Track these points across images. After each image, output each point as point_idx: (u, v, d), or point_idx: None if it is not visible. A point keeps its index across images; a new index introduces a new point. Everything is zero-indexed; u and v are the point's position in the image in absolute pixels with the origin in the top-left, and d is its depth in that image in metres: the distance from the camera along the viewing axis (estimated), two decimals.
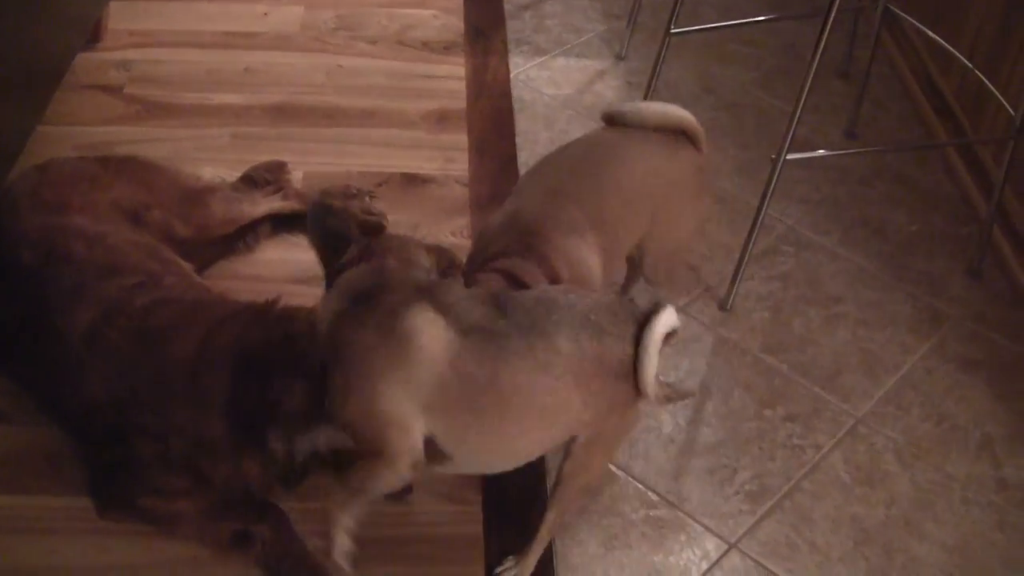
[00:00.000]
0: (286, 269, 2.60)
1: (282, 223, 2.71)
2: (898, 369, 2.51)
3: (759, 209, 2.58)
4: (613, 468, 2.22)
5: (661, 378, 1.74)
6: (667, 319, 1.70)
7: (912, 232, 2.93)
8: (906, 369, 2.52)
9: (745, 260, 2.60)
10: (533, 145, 3.09)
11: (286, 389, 1.86)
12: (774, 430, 2.33)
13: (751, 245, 2.59)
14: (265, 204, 2.66)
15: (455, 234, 2.73)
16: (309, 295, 2.51)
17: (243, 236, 2.62)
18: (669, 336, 1.71)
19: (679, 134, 2.15)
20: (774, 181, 2.54)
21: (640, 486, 2.20)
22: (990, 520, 2.20)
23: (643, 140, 2.12)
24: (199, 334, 2.00)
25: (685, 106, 2.18)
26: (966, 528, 2.18)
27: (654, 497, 2.18)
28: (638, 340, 1.68)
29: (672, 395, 1.83)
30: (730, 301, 2.62)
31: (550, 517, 1.89)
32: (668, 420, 2.34)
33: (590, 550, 2.08)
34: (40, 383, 2.16)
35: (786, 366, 2.49)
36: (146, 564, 1.98)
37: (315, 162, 2.94)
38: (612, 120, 2.21)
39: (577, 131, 3.16)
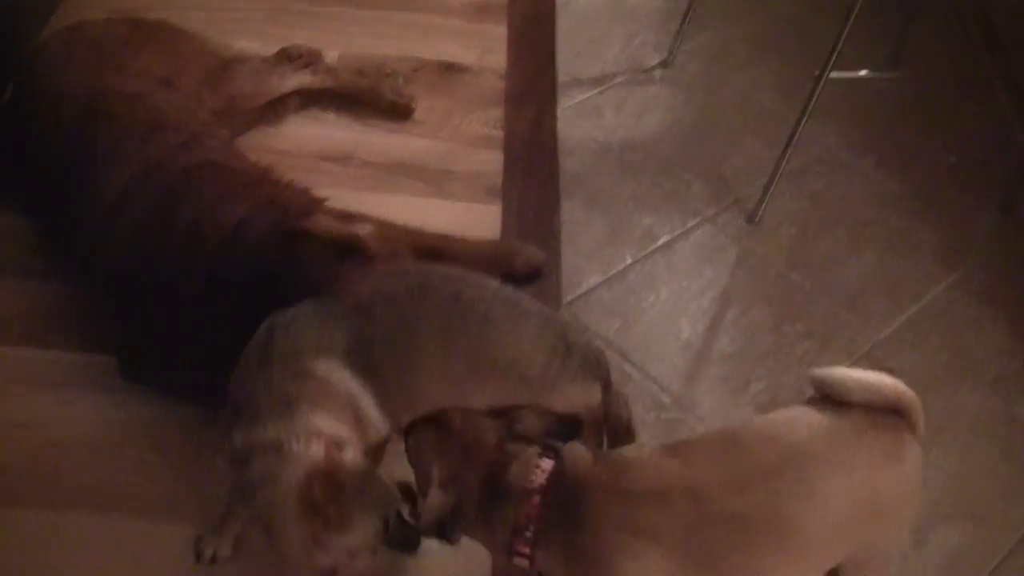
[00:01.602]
0: (313, 145, 2.58)
1: (311, 99, 2.69)
2: (920, 297, 2.50)
3: (796, 126, 2.54)
4: (628, 367, 2.23)
5: None
6: None
7: (948, 163, 2.89)
8: (928, 298, 2.50)
9: (777, 176, 2.58)
10: (573, 43, 3.05)
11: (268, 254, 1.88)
12: (791, 345, 2.33)
13: (785, 161, 2.57)
14: (295, 79, 2.64)
15: (487, 124, 2.71)
16: (334, 171, 2.53)
17: (272, 108, 2.61)
18: None
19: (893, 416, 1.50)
20: (814, 98, 2.50)
21: (654, 387, 2.20)
22: (996, 452, 2.20)
23: (849, 455, 1.46)
24: (216, 196, 2.00)
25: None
26: (971, 458, 2.18)
27: (666, 399, 2.18)
28: None
29: None
30: (759, 215, 2.60)
31: None
32: (686, 325, 2.34)
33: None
34: (75, 239, 2.16)
35: (809, 284, 2.47)
36: (160, 422, 2.00)
37: (352, 43, 2.91)
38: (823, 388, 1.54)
39: (618, 33, 3.12)
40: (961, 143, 2.95)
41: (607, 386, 1.70)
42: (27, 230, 2.28)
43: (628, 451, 1.51)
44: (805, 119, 2.53)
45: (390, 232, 2.10)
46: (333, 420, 1.55)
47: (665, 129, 2.83)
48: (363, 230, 2.00)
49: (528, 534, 1.43)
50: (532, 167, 2.60)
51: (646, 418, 2.15)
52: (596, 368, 1.69)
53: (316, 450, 1.49)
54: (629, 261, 2.47)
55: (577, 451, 1.49)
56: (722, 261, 2.50)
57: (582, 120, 2.81)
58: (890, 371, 2.24)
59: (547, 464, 1.47)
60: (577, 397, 1.65)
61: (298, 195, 2.12)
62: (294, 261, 1.88)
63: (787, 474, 1.39)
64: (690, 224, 2.58)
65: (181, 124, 2.18)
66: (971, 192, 2.80)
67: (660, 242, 2.52)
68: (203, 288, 1.94)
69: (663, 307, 2.38)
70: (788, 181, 2.69)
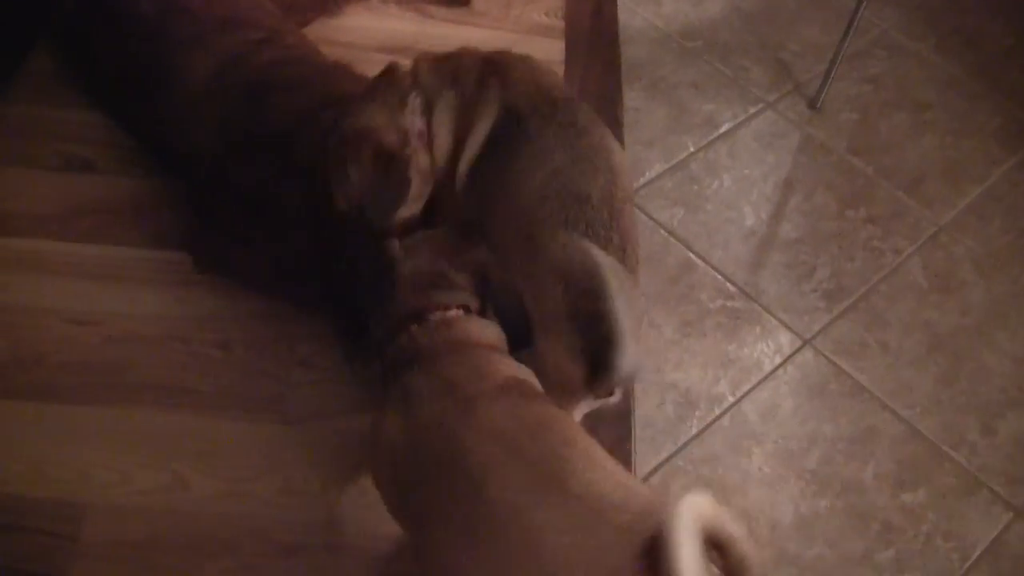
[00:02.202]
0: (376, 37, 2.57)
1: None
2: (983, 180, 2.50)
3: (856, 10, 2.52)
4: (692, 256, 2.25)
5: None
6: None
7: (1008, 44, 2.85)
8: (991, 181, 2.50)
9: (838, 60, 2.56)
10: None
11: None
12: (855, 231, 2.34)
13: (845, 45, 2.55)
14: None
15: (548, 14, 2.68)
16: None
17: None
18: None
19: None
20: None
21: (718, 276, 2.23)
22: None
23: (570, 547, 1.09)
24: (313, 99, 2.00)
25: None
26: None
27: (731, 288, 2.21)
28: None
29: None
30: (820, 100, 2.59)
31: None
32: (750, 213, 2.35)
33: (666, 335, 2.12)
34: (151, 130, 2.17)
35: (871, 168, 2.47)
36: (225, 318, 2.02)
37: None
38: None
39: None
40: (1021, 24, 2.91)
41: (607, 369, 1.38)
42: (93, 125, 2.29)
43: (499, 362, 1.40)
44: (865, 3, 2.50)
45: None
46: (449, 141, 1.60)
47: (724, 15, 2.81)
48: None
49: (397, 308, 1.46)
50: (593, 56, 2.58)
51: (711, 307, 2.18)
52: (598, 358, 1.40)
53: (416, 125, 1.57)
54: (691, 149, 2.48)
55: (486, 326, 1.44)
56: (784, 147, 2.50)
57: (641, 8, 2.79)
58: (955, 255, 2.27)
59: (456, 313, 1.44)
60: (554, 359, 1.45)
61: None
62: None
63: (530, 491, 1.14)
64: (751, 111, 2.58)
65: (258, 20, 2.17)
66: None
67: (722, 129, 2.53)
68: (295, 194, 1.95)
69: (726, 194, 2.39)
70: (848, 66, 2.67)
